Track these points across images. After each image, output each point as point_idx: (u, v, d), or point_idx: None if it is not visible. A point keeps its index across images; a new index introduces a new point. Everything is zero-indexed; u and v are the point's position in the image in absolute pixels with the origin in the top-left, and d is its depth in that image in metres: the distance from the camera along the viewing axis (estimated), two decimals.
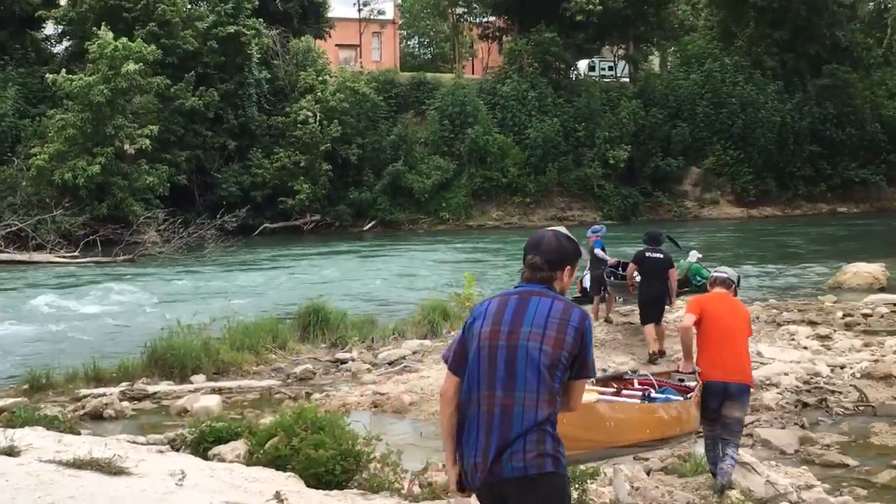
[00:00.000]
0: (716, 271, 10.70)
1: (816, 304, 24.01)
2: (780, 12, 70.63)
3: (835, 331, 19.44)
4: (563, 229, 5.58)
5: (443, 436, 5.28)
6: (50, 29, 64.92)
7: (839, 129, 71.35)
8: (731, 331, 9.80)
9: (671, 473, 10.61)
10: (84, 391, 15.40)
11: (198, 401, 14.35)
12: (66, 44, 63.32)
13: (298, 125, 59.56)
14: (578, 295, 21.00)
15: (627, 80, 75.74)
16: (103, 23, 52.03)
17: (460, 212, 62.87)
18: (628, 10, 68.24)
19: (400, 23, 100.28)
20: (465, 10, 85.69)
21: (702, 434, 10.04)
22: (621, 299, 21.20)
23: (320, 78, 62.31)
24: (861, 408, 13.75)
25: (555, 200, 65.61)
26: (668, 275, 17.50)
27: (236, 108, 59.42)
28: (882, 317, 21.23)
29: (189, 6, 58.34)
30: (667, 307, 18.22)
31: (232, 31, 57.69)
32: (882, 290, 26.78)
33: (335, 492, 8.55)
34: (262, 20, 61.29)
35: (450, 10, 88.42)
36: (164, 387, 15.79)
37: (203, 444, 10.25)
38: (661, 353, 17.03)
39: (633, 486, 9.49)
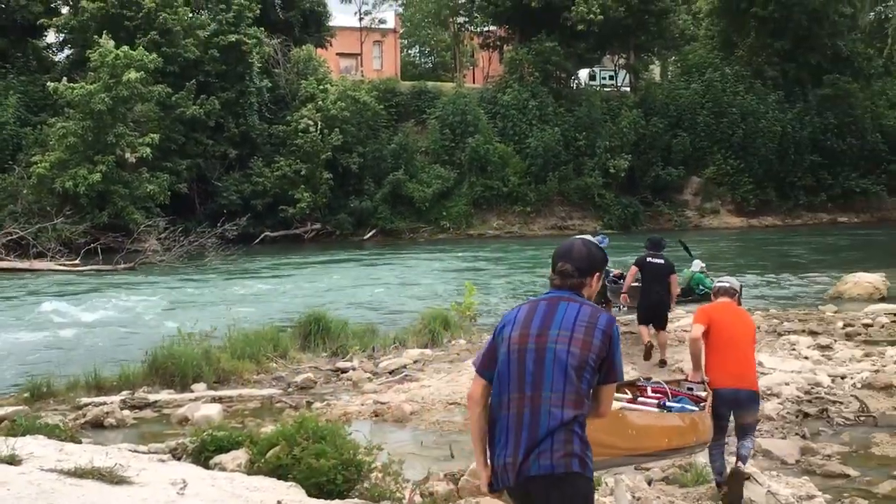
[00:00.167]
0: (719, 281, 10.76)
1: (817, 313, 23.98)
2: (781, 22, 70.76)
3: (835, 341, 19.41)
4: (589, 237, 5.73)
5: (472, 438, 5.44)
6: (51, 37, 65.24)
7: (840, 139, 71.43)
8: (738, 339, 9.87)
9: (672, 484, 10.59)
10: (85, 400, 15.36)
11: (199, 409, 14.33)
12: (67, 52, 63.57)
13: (299, 134, 59.66)
14: None
15: (628, 89, 75.86)
16: (105, 31, 52.24)
17: (461, 221, 62.94)
18: (629, 20, 68.33)
19: (401, 32, 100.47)
20: (466, 19, 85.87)
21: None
22: (624, 308, 21.19)
23: (321, 87, 62.41)
24: (862, 418, 13.72)
25: (555, 210, 65.67)
26: (668, 280, 17.52)
27: (237, 117, 59.53)
28: (882, 327, 21.18)
29: (190, 15, 58.47)
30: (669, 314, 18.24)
31: (233, 39, 57.84)
32: (882, 299, 26.74)
33: (336, 501, 8.54)
34: (263, 29, 61.49)
35: (451, 20, 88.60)
36: (164, 395, 15.77)
37: (204, 453, 10.24)
38: (663, 363, 17.02)
39: (634, 497, 9.48)
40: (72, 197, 48.83)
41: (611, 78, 78.77)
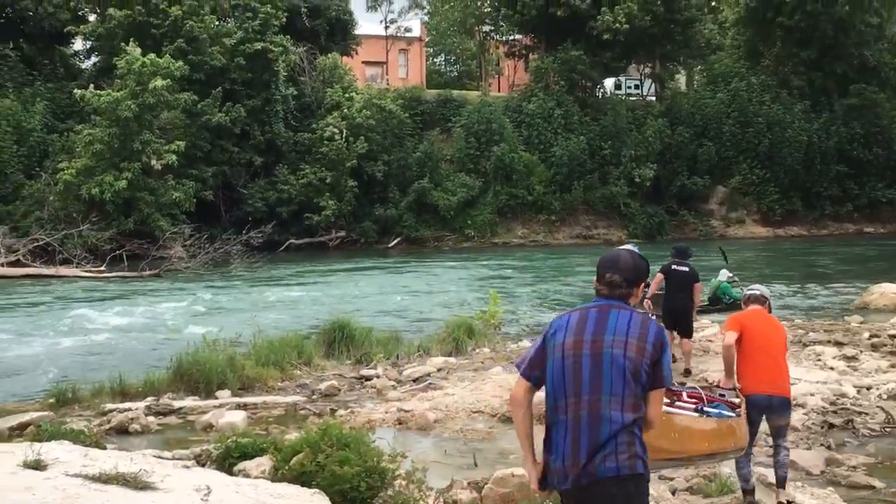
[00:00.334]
0: (749, 289, 10.77)
1: (843, 324, 23.87)
2: (808, 32, 70.49)
3: (861, 351, 19.31)
4: (631, 246, 5.86)
5: (519, 437, 5.57)
6: (79, 45, 65.75)
7: (866, 150, 71.03)
8: (771, 346, 9.90)
9: (696, 494, 10.54)
10: (110, 406, 15.41)
11: (223, 416, 14.35)
12: (94, 59, 63.98)
13: (325, 141, 59.77)
14: None
15: (654, 98, 75.71)
16: (131, 39, 52.50)
17: (485, 229, 62.92)
18: (655, 29, 68.25)
19: (426, 40, 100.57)
20: (492, 28, 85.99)
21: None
22: (652, 316, 21.10)
23: (347, 95, 62.54)
24: (888, 429, 13.65)
25: (580, 218, 65.59)
26: (692, 288, 17.49)
27: (263, 125, 59.70)
28: None
29: (217, 23, 58.63)
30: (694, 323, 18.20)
31: (259, 47, 58.04)
32: None
33: None
34: (289, 37, 61.71)
35: (476, 28, 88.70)
36: (189, 402, 15.79)
37: (228, 460, 10.25)
38: (688, 372, 16.97)
39: None
40: (98, 204, 49.04)
41: (636, 87, 78.56)
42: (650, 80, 77.43)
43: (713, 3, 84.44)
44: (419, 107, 68.66)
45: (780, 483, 9.82)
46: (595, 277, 5.61)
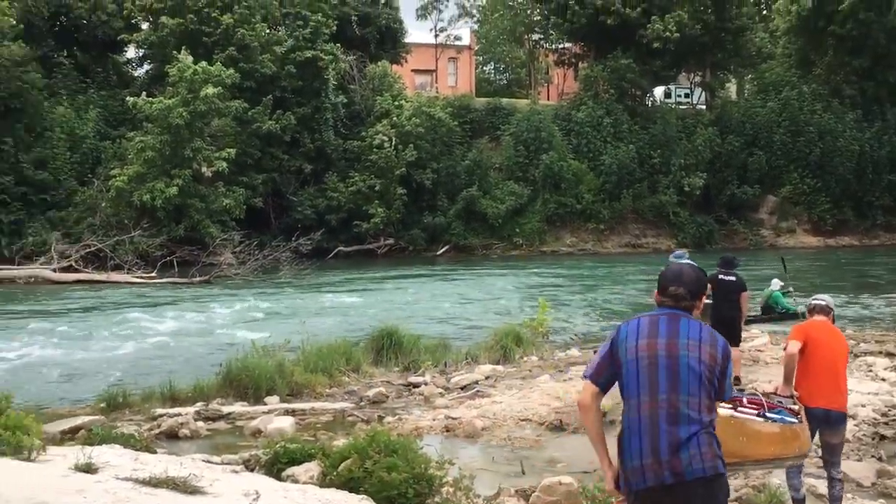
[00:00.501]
0: (814, 299, 10.69)
1: (895, 335, 23.62)
2: (860, 40, 69.86)
3: None
4: (687, 258, 6.01)
5: (591, 441, 5.69)
6: (131, 52, 66.42)
7: None
8: (833, 358, 9.82)
9: None
10: (160, 410, 15.52)
11: (271, 422, 14.40)
12: (146, 67, 64.56)
13: (374, 149, 59.90)
14: None
15: (704, 107, 75.34)
16: (183, 47, 52.89)
17: (534, 237, 62.82)
18: (705, 38, 67.93)
19: (476, 48, 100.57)
20: (542, 36, 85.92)
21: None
22: None
23: (396, 103, 62.66)
24: None
25: (629, 227, 65.35)
26: (740, 297, 17.38)
27: (313, 132, 59.94)
28: None
29: (268, 31, 58.96)
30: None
31: (310, 55, 58.27)
32: None
33: None
34: (339, 45, 61.93)
35: (526, 37, 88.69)
36: (238, 407, 15.87)
37: (277, 465, 10.31)
38: (737, 381, 16.84)
39: None
40: (149, 210, 49.40)
41: (686, 96, 78.23)
42: (700, 89, 77.05)
43: (764, 12, 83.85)
44: (468, 115, 68.68)
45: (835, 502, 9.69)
46: (657, 290, 5.69)
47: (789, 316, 25.13)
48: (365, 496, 8.80)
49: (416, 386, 17.90)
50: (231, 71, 52.43)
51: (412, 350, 20.02)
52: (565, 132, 67.13)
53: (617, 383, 5.55)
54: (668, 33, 65.25)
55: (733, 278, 17.50)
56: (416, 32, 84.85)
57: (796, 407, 9.51)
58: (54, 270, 45.43)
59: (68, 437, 13.15)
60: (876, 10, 68.76)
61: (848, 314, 30.33)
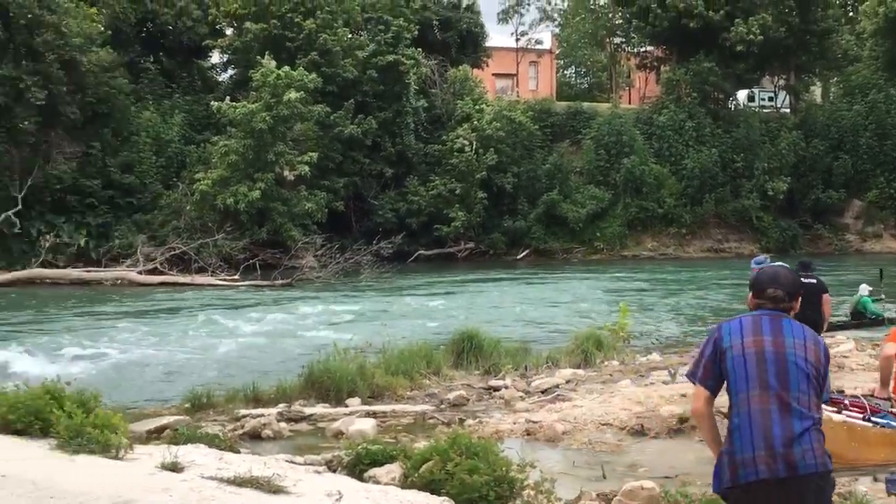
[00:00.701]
0: None
1: None
2: None
3: None
4: (779, 262, 6.05)
5: (710, 445, 5.72)
6: (216, 58, 67.34)
7: None
8: None
9: None
10: (243, 411, 15.68)
11: (353, 424, 14.47)
12: (230, 72, 65.40)
13: (454, 153, 60.01)
14: None
15: (788, 110, 74.40)
16: (267, 52, 53.41)
17: (615, 241, 62.54)
18: (790, 40, 67.12)
19: (557, 52, 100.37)
20: (623, 39, 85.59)
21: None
22: None
23: (477, 107, 62.71)
24: None
25: (711, 232, 64.79)
26: (821, 300, 17.16)
27: (394, 136, 60.19)
28: None
29: (350, 36, 59.34)
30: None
31: (391, 59, 58.51)
32: None
33: None
34: (420, 49, 62.06)
35: (607, 40, 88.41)
36: (320, 409, 15.96)
37: (359, 466, 10.36)
38: None
39: None
40: (232, 213, 49.93)
41: (770, 99, 77.32)
42: (784, 92, 76.12)
43: (851, 14, 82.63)
44: (549, 119, 68.53)
45: None
46: (753, 293, 5.70)
47: (878, 322, 24.80)
48: (446, 498, 8.82)
49: (496, 389, 17.89)
50: (313, 75, 52.79)
51: (492, 353, 20.01)
52: (647, 136, 66.73)
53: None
54: (751, 36, 64.56)
55: (814, 281, 17.28)
56: (497, 36, 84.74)
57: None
58: (140, 273, 46.17)
59: (154, 436, 13.33)
60: None
61: None
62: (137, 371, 21.41)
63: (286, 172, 51.24)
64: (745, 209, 64.11)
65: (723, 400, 5.57)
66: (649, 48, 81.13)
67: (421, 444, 11.07)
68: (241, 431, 14.34)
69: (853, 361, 19.80)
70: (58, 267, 47.73)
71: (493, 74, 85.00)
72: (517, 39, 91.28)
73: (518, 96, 77.77)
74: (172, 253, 48.15)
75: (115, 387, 18.31)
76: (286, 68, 51.74)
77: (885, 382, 9.85)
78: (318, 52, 56.48)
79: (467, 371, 19.45)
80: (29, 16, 50.03)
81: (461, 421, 15.09)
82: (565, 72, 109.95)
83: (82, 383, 12.85)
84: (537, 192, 62.87)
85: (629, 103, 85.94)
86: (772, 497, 5.21)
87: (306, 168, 51.19)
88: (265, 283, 43.93)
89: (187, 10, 60.80)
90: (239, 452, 11.67)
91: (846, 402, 9.46)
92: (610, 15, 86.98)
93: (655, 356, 21.76)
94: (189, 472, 9.37)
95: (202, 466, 9.70)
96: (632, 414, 14.43)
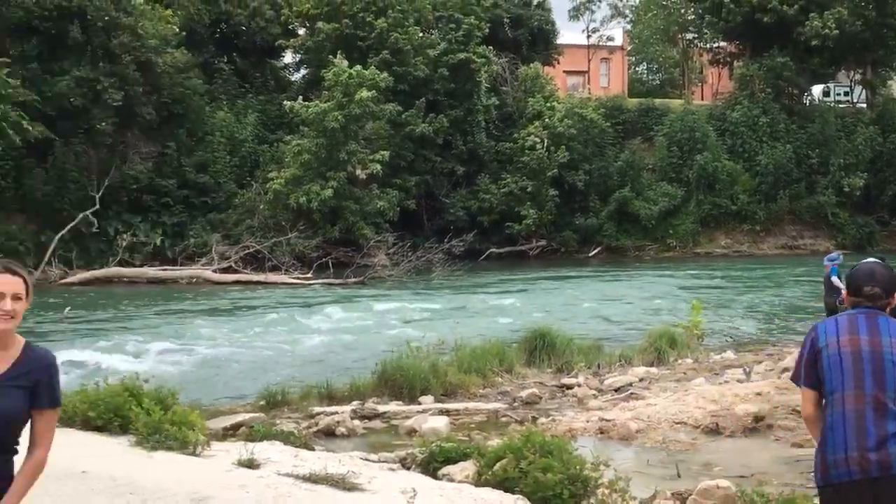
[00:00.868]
0: None
1: None
2: None
3: None
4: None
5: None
6: (288, 58, 67.82)
7: None
8: None
9: None
10: (317, 409, 15.81)
11: (426, 421, 14.54)
12: (303, 72, 65.86)
13: (526, 151, 59.90)
14: None
15: (864, 105, 73.29)
16: (339, 51, 53.63)
17: (687, 239, 62.08)
18: (866, 34, 66.08)
19: (629, 49, 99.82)
20: (696, 35, 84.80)
21: None
22: None
23: (548, 104, 62.54)
24: None
25: (786, 228, 64.08)
26: None
27: (465, 134, 60.19)
28: None
29: (421, 35, 59.41)
30: None
31: (462, 58, 58.52)
32: None
33: None
34: (491, 47, 62.03)
35: (680, 36, 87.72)
36: (393, 407, 16.07)
37: (433, 464, 10.41)
38: None
39: None
40: (305, 212, 50.20)
41: (846, 94, 76.18)
42: (861, 87, 75.02)
43: None
44: (621, 116, 68.20)
45: None
46: (848, 291, 5.63)
47: None
48: (520, 496, 8.84)
49: (569, 387, 17.89)
50: (385, 74, 52.94)
51: (565, 351, 20.00)
52: (720, 132, 66.13)
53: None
54: (826, 30, 63.67)
55: None
56: (569, 33, 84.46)
57: None
58: (214, 271, 46.66)
59: (230, 433, 13.50)
60: None
61: None
62: (213, 368, 21.66)
63: (358, 171, 51.44)
64: (821, 205, 63.29)
65: (796, 398, 5.53)
66: (722, 44, 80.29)
67: (494, 442, 11.10)
68: (315, 429, 14.47)
69: None
70: (134, 266, 48.39)
71: (565, 71, 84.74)
72: (588, 36, 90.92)
73: (589, 93, 77.38)
74: (246, 252, 48.61)
75: (191, 384, 18.51)
76: (358, 67, 51.93)
77: None
78: (389, 51, 56.65)
79: (540, 369, 19.46)
80: (106, 18, 50.76)
81: (534, 419, 15.11)
82: (637, 68, 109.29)
83: (160, 381, 13.05)
84: (609, 189, 62.61)
85: (702, 99, 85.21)
86: (864, 497, 5.12)
87: (378, 167, 51.35)
88: (338, 281, 44.18)
89: (260, 10, 61.32)
90: (313, 450, 11.80)
91: None
92: (682, 10, 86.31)
93: (730, 354, 21.62)
94: (265, 469, 9.49)
95: (278, 463, 9.82)
96: (706, 412, 14.35)
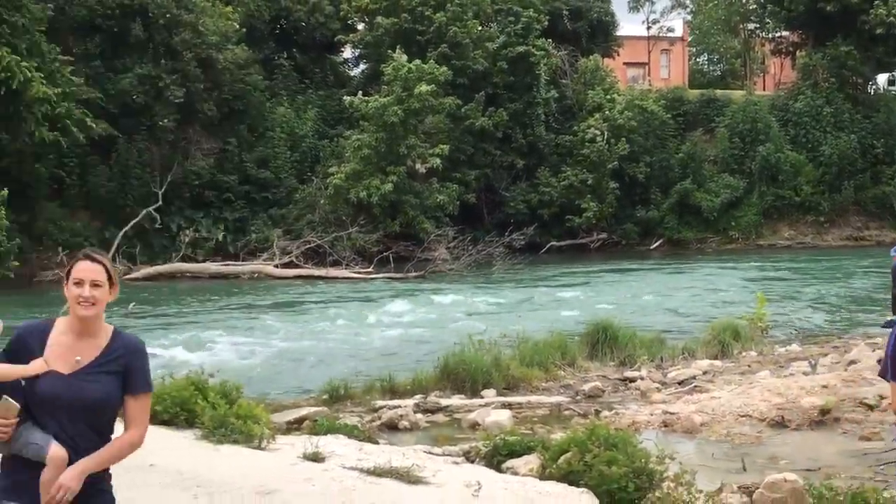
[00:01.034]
0: None
1: None
2: None
3: None
4: None
5: None
6: (347, 53, 67.97)
7: None
8: None
9: None
10: (380, 402, 15.87)
11: (489, 415, 14.54)
12: (362, 67, 66.08)
13: (586, 143, 59.67)
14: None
15: None
16: (398, 45, 53.74)
17: (750, 230, 61.50)
18: None
19: (689, 40, 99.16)
20: (758, 25, 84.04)
21: None
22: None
23: (608, 96, 62.25)
24: None
25: (850, 219, 63.27)
26: None
27: (524, 128, 60.05)
28: None
29: (480, 28, 59.36)
30: None
31: (521, 51, 58.44)
32: None
33: None
34: (551, 40, 61.85)
35: (741, 26, 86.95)
36: (455, 400, 16.08)
37: (496, 457, 10.42)
38: None
39: None
40: (365, 207, 50.36)
41: None
42: None
43: None
44: (681, 107, 67.71)
45: None
46: None
47: None
48: (585, 489, 8.82)
49: (631, 380, 17.83)
50: (444, 68, 52.98)
51: (627, 344, 19.90)
52: (782, 123, 65.44)
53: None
54: (891, 18, 62.76)
55: None
56: (628, 25, 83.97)
57: None
58: (276, 266, 46.95)
59: (294, 427, 13.58)
60: None
61: None
62: (276, 363, 21.82)
63: (418, 165, 51.54)
64: (886, 196, 62.45)
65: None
66: (784, 33, 79.44)
67: (558, 436, 11.09)
68: (378, 422, 14.53)
69: None
70: (197, 261, 48.87)
71: (625, 63, 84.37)
72: (648, 28, 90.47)
73: (650, 85, 77.02)
74: (307, 246, 48.84)
75: (254, 378, 18.68)
76: (417, 61, 52.00)
77: None
78: (448, 44, 56.67)
79: (602, 362, 19.40)
80: (167, 15, 51.33)
81: (597, 412, 15.07)
82: (698, 59, 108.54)
83: (224, 375, 13.15)
84: (670, 181, 62.24)
85: (764, 90, 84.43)
86: None
87: (438, 161, 51.39)
88: (398, 275, 44.26)
89: (320, 6, 61.55)
90: (377, 443, 11.85)
91: None
92: (743, 0, 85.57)
93: (795, 347, 21.43)
94: (330, 463, 9.53)
95: (342, 457, 9.86)
96: (771, 405, 14.23)
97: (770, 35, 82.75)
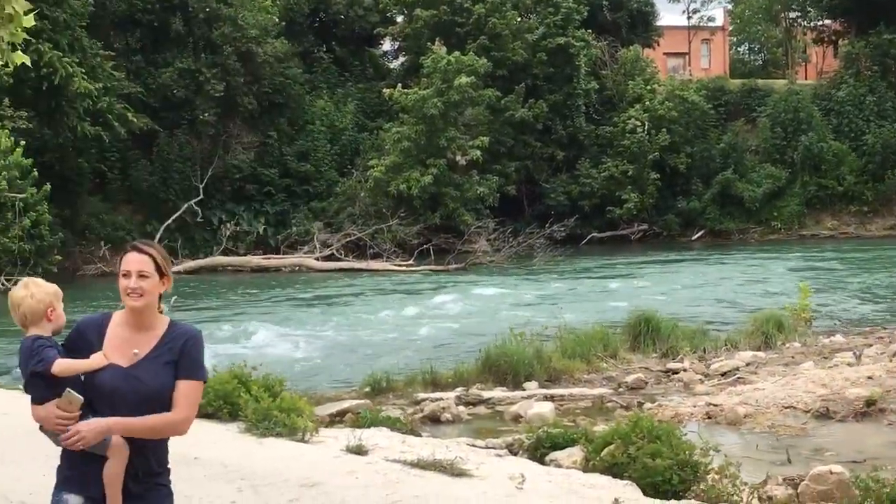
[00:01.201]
0: None
1: None
2: None
3: None
4: None
5: None
6: (387, 45, 68.04)
7: None
8: None
9: None
10: (422, 395, 15.89)
11: (531, 407, 14.52)
12: (401, 59, 65.98)
13: (626, 134, 59.45)
14: None
15: None
16: (437, 38, 53.75)
17: (792, 221, 61.04)
18: None
19: (730, 29, 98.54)
20: (799, 13, 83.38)
21: None
22: None
23: (648, 87, 61.99)
24: None
25: (894, 209, 62.71)
26: None
27: (564, 119, 59.91)
28: None
29: (519, 19, 59.22)
30: None
31: (561, 42, 58.28)
32: None
33: (672, 502, 8.51)
34: (590, 31, 61.67)
35: (782, 15, 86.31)
36: (498, 393, 16.08)
37: (540, 450, 10.41)
38: None
39: None
40: (406, 199, 50.43)
41: None
42: None
43: None
44: (722, 97, 67.31)
45: None
46: None
47: None
48: (629, 482, 8.80)
49: (674, 372, 17.77)
50: (483, 60, 52.97)
51: (670, 336, 19.82)
52: (825, 112, 64.91)
53: None
54: None
55: None
56: (668, 15, 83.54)
57: None
58: (317, 259, 47.13)
59: (337, 419, 13.62)
60: None
61: None
62: (318, 355, 21.91)
63: (458, 157, 51.53)
64: None
65: None
66: (826, 22, 78.87)
67: (601, 428, 11.07)
68: (420, 415, 14.55)
69: None
70: (238, 254, 49.13)
71: (665, 54, 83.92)
72: (689, 17, 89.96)
73: (690, 75, 76.58)
74: (348, 239, 49.03)
75: (297, 371, 18.76)
76: (456, 53, 52.03)
77: None
78: (487, 36, 56.59)
79: (644, 354, 19.34)
80: (207, 9, 51.63)
81: (640, 404, 15.04)
82: (738, 49, 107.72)
83: (267, 368, 13.20)
84: (711, 171, 61.89)
85: (805, 79, 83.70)
86: None
87: (478, 153, 51.40)
88: (439, 267, 44.30)
89: None
90: (420, 436, 11.86)
91: None
92: None
93: (839, 338, 21.26)
94: (373, 455, 9.56)
95: (385, 449, 9.88)
96: (816, 397, 14.14)
97: (812, 24, 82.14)
